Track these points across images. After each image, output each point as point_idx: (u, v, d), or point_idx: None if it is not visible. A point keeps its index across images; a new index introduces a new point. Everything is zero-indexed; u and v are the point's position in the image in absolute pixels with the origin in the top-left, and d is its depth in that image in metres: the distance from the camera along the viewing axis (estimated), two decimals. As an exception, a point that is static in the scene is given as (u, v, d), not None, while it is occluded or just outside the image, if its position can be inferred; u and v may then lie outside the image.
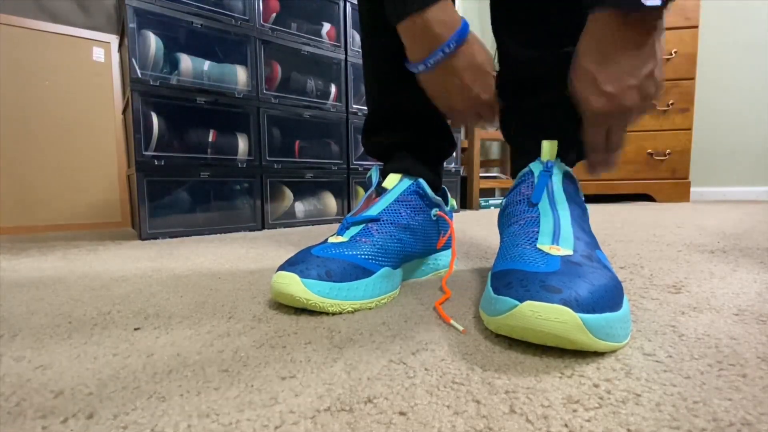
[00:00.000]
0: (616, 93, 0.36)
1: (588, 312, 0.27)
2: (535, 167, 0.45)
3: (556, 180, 0.43)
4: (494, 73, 0.45)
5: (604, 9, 0.33)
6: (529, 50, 0.47)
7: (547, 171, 0.44)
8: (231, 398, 0.25)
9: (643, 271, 0.56)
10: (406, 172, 0.53)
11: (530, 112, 0.50)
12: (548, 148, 0.44)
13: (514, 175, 0.50)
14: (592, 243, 0.39)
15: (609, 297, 0.30)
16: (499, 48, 0.50)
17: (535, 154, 0.46)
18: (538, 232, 0.38)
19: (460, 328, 0.35)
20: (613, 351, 0.30)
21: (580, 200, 0.45)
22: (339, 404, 0.24)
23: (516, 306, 0.29)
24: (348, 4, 1.45)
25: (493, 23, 0.52)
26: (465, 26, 0.41)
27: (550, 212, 0.40)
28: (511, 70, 0.50)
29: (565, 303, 0.27)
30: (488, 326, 0.33)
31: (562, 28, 0.46)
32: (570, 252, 0.34)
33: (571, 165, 0.48)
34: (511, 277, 0.32)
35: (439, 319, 0.38)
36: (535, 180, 0.44)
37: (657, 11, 0.32)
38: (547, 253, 0.34)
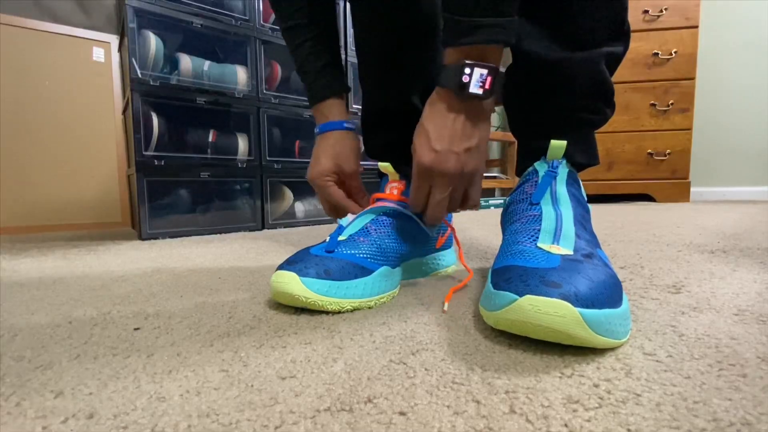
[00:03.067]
0: (441, 152, 0.41)
1: (587, 307, 0.27)
2: (540, 167, 0.45)
3: (561, 180, 0.43)
4: (323, 165, 0.56)
5: (443, 86, 0.40)
6: (552, 51, 0.45)
7: (553, 171, 0.44)
8: (231, 398, 0.25)
9: (643, 271, 0.56)
10: (399, 173, 0.53)
11: (541, 111, 0.49)
12: (556, 147, 0.44)
13: (519, 174, 0.50)
14: (593, 242, 0.39)
15: (608, 293, 0.30)
16: (514, 47, 0.48)
17: (541, 152, 0.46)
18: (539, 230, 0.38)
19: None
20: (612, 348, 0.30)
21: (584, 200, 0.45)
22: (339, 404, 0.24)
23: (515, 300, 0.29)
24: (348, 4, 1.45)
25: None
26: (326, 125, 0.57)
27: (552, 211, 0.40)
28: (527, 70, 0.48)
29: (565, 297, 0.27)
30: (487, 321, 0.33)
31: (590, 26, 0.45)
32: (570, 252, 0.34)
33: (579, 169, 0.48)
34: (511, 273, 0.32)
35: (440, 319, 0.38)
36: (539, 179, 0.44)
37: (479, 98, 0.39)
38: (548, 252, 0.34)
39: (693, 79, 2.00)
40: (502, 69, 0.42)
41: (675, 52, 1.99)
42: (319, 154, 0.56)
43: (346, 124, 0.57)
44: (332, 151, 0.56)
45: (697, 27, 1.98)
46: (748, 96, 2.29)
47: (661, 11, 1.99)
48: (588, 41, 0.45)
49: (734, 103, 2.32)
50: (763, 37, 2.24)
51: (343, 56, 1.45)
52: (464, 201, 0.46)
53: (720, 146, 2.36)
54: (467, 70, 0.38)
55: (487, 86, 0.39)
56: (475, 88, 0.39)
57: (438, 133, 0.41)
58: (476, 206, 0.47)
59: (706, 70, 2.30)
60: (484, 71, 0.39)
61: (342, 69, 0.58)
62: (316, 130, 0.58)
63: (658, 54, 2.01)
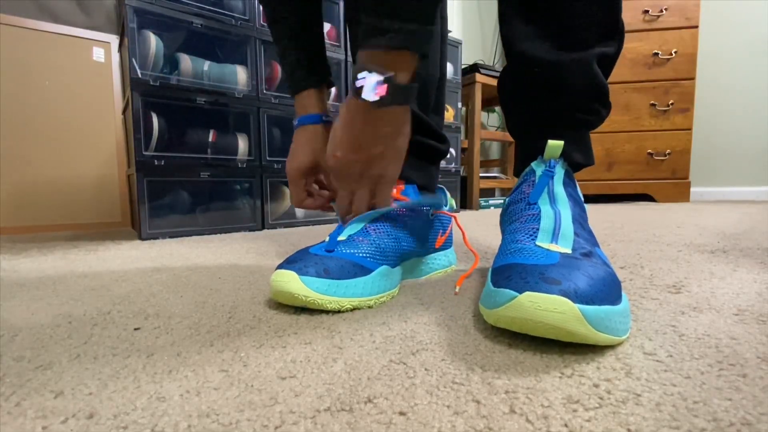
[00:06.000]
0: (341, 158, 0.42)
1: (587, 303, 0.27)
2: (537, 167, 0.45)
3: (558, 179, 0.43)
4: (299, 159, 0.54)
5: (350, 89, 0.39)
6: (544, 52, 0.45)
7: (550, 171, 0.44)
8: (231, 398, 0.25)
9: (643, 271, 0.56)
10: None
11: (537, 113, 0.49)
12: (553, 147, 0.44)
13: (517, 174, 0.50)
14: (592, 240, 0.39)
15: (608, 290, 0.30)
16: (509, 48, 0.48)
17: (540, 153, 0.46)
18: (538, 229, 0.38)
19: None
20: (612, 348, 0.30)
21: (580, 199, 0.45)
22: (339, 404, 0.24)
23: (515, 297, 0.29)
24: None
25: (502, 21, 0.49)
26: (303, 118, 0.54)
27: (551, 210, 0.40)
28: (521, 71, 0.48)
29: (564, 294, 0.27)
30: (487, 319, 0.33)
31: (581, 26, 0.45)
32: (569, 251, 0.35)
33: (576, 168, 0.48)
34: (511, 271, 0.32)
35: (440, 319, 0.38)
36: (536, 179, 0.44)
37: (375, 105, 0.38)
38: (547, 249, 0.34)
39: (693, 79, 2.00)
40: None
41: (675, 52, 1.99)
42: (297, 149, 0.55)
43: (323, 117, 0.55)
44: (310, 146, 0.54)
45: (697, 27, 1.98)
46: (748, 96, 2.29)
47: (661, 11, 1.99)
48: (579, 42, 0.45)
49: (734, 103, 2.31)
50: (763, 37, 2.23)
51: (342, 57, 1.45)
52: (374, 201, 0.46)
53: (720, 146, 2.36)
54: (361, 75, 0.37)
55: (381, 93, 0.37)
56: (368, 95, 0.37)
57: (338, 139, 0.41)
58: (387, 206, 0.47)
59: (706, 70, 2.30)
60: (380, 78, 0.37)
61: (324, 62, 0.56)
62: (295, 123, 0.56)
63: (658, 54, 2.01)
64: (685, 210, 1.57)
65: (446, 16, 0.62)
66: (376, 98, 0.37)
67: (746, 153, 2.31)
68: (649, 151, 2.06)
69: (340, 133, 0.41)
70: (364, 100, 0.37)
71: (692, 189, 2.36)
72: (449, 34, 0.53)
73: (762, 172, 2.29)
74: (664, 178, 2.06)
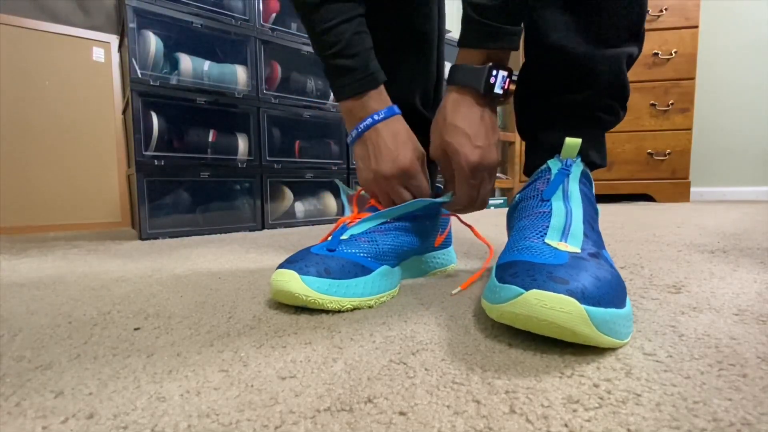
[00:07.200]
0: (484, 147, 0.44)
1: (593, 305, 0.27)
2: (554, 164, 0.44)
3: (574, 178, 0.43)
4: (418, 148, 0.50)
5: (467, 86, 0.43)
6: (579, 45, 0.45)
7: (566, 169, 0.43)
8: (231, 398, 0.25)
9: (643, 271, 0.56)
10: None
11: (558, 108, 0.48)
12: (571, 146, 0.43)
13: (528, 172, 0.49)
14: (599, 242, 0.39)
15: (614, 293, 0.30)
16: (533, 37, 0.47)
17: (554, 151, 0.45)
18: (548, 227, 0.38)
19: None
20: (614, 348, 0.30)
21: (594, 200, 0.44)
22: (339, 404, 0.24)
23: (521, 294, 0.29)
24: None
25: (531, 11, 0.48)
26: (394, 108, 0.49)
27: (563, 208, 0.40)
28: (551, 63, 0.47)
29: (572, 294, 0.27)
30: (490, 314, 0.33)
31: (615, 23, 0.44)
32: (578, 250, 0.34)
33: (590, 168, 0.47)
34: (518, 268, 0.32)
35: (440, 319, 0.38)
36: (552, 177, 0.43)
37: (499, 97, 0.44)
38: (555, 248, 0.34)
39: (693, 79, 2.00)
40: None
41: (675, 52, 1.99)
42: (398, 143, 0.48)
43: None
44: (412, 141, 0.49)
45: (697, 27, 1.98)
46: (748, 96, 2.29)
47: (661, 11, 1.99)
48: (612, 38, 0.45)
49: (734, 103, 2.31)
50: (763, 37, 2.23)
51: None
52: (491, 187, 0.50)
53: (720, 146, 2.36)
54: (494, 72, 0.42)
55: (506, 87, 0.43)
56: (498, 89, 0.43)
57: (474, 130, 0.44)
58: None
59: (706, 70, 2.30)
60: (505, 73, 0.43)
61: None
62: (379, 117, 0.48)
63: (658, 54, 2.01)
64: (685, 210, 1.57)
65: (444, 15, 0.62)
66: (502, 91, 0.43)
67: (746, 153, 2.31)
68: (649, 150, 2.06)
69: (469, 127, 0.43)
70: (495, 94, 0.43)
71: (692, 189, 2.36)
72: (448, 34, 0.53)
73: (762, 172, 2.29)
74: (664, 178, 2.06)
